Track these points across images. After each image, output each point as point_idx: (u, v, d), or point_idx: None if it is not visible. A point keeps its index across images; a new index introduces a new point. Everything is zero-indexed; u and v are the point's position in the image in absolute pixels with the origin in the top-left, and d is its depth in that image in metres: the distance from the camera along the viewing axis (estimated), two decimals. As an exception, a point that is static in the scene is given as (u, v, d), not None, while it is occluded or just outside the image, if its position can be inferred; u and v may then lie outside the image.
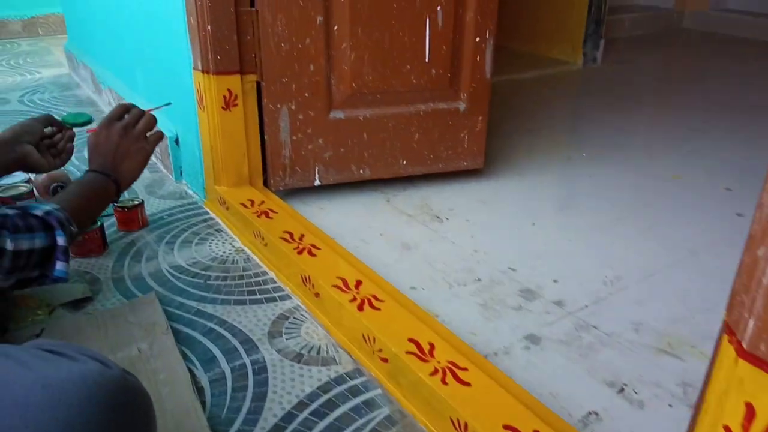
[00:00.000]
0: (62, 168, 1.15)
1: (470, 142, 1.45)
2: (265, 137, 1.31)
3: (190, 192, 1.45)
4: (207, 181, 1.36)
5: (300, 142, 1.32)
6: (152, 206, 1.36)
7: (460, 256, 1.17)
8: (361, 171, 1.39)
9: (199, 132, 1.33)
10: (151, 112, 1.05)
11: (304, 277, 1.01)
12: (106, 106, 2.05)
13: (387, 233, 1.25)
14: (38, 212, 0.80)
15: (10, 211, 0.79)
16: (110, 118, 1.02)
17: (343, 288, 0.95)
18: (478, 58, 1.37)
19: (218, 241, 1.22)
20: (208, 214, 1.34)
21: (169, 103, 1.20)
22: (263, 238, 1.14)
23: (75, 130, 1.15)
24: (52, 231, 0.80)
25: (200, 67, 1.22)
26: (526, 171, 1.57)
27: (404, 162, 1.42)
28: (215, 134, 1.27)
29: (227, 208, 1.28)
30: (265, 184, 1.37)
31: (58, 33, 3.43)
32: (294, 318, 0.98)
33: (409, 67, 1.33)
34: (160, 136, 1.07)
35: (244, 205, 1.24)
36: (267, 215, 1.20)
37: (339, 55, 1.27)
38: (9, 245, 0.73)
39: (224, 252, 1.18)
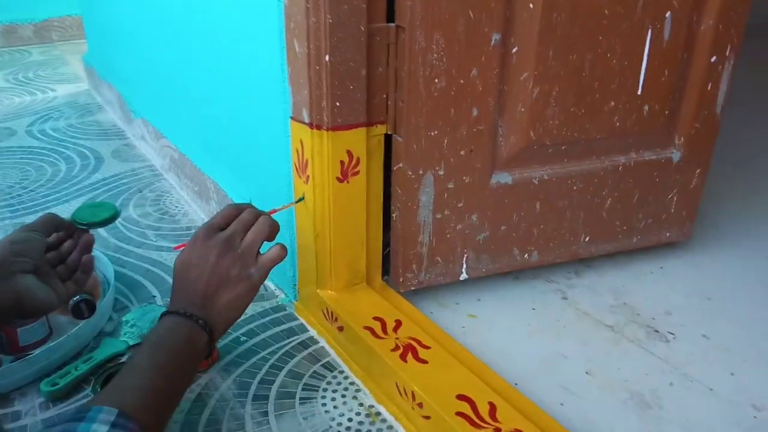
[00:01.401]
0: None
1: (679, 205, 0.99)
2: (393, 217, 0.85)
3: (272, 287, 1.00)
4: (302, 277, 0.92)
5: (446, 222, 0.86)
6: (221, 315, 0.92)
7: (737, 422, 0.71)
8: (526, 256, 0.94)
9: (293, 210, 0.88)
10: (273, 215, 0.68)
11: None
12: (138, 140, 1.61)
13: (595, 370, 0.79)
14: None
15: None
16: (210, 225, 0.65)
17: None
18: (709, 86, 0.90)
19: (334, 391, 0.78)
20: (306, 331, 0.89)
21: (302, 198, 0.82)
22: (421, 406, 0.69)
23: (94, 231, 0.74)
24: None
25: (306, 120, 0.77)
26: (742, 240, 1.10)
27: (586, 239, 0.96)
28: (325, 217, 0.81)
29: (340, 330, 0.83)
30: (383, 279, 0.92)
31: (75, 38, 3.00)
32: None
33: (613, 103, 0.86)
34: (278, 254, 0.65)
35: (374, 333, 0.78)
36: (415, 354, 0.75)
37: (515, 90, 0.81)
38: None
39: (351, 420, 0.73)
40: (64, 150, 1.59)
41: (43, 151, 1.59)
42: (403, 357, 0.74)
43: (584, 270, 1.01)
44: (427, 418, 0.68)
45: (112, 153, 1.57)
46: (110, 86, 1.79)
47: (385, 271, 0.92)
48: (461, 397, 0.67)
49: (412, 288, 0.89)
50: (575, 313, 0.91)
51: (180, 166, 1.28)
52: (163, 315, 0.60)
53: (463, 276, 0.91)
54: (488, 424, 0.64)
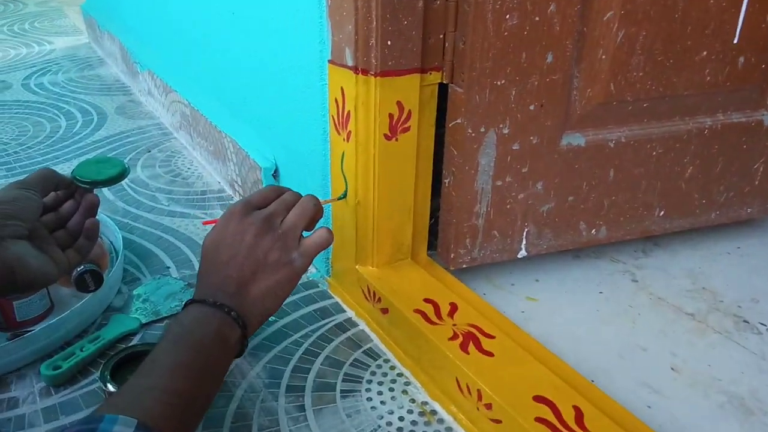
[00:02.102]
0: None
1: (765, 177, 0.87)
2: (446, 183, 0.74)
3: (300, 260, 0.88)
4: (337, 251, 0.80)
5: (507, 190, 0.74)
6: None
7: None
8: (593, 231, 0.82)
9: (328, 170, 0.76)
10: (321, 203, 0.60)
11: None
12: (144, 95, 1.48)
13: (682, 366, 0.68)
14: None
15: None
16: (247, 202, 0.56)
17: None
18: (816, 36, 0.77)
19: (380, 383, 0.67)
20: (342, 311, 0.78)
21: (344, 195, 0.72)
22: (490, 407, 0.58)
23: (98, 190, 0.63)
24: None
25: (350, 62, 0.64)
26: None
27: (661, 213, 0.84)
28: (368, 181, 0.70)
29: (385, 312, 0.72)
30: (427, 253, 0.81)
31: (72, -11, 2.83)
32: None
33: (705, 53, 0.74)
34: (324, 238, 0.56)
35: (426, 317, 0.67)
36: (478, 344, 0.64)
37: (597, 33, 0.68)
38: None
39: (402, 419, 0.63)
40: (63, 105, 1.46)
41: (41, 106, 1.46)
42: (463, 347, 0.63)
43: (652, 249, 0.90)
44: (498, 422, 0.57)
45: (116, 109, 1.44)
46: (112, 37, 1.65)
47: (430, 245, 0.81)
48: (540, 399, 0.57)
49: (464, 266, 0.78)
50: (649, 298, 0.79)
51: (192, 123, 1.16)
52: (187, 303, 0.49)
53: (522, 253, 0.80)
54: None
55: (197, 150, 1.18)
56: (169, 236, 0.93)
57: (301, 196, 0.58)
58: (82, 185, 0.61)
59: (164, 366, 0.43)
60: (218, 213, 1.00)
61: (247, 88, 0.93)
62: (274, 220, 0.54)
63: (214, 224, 0.55)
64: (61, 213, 0.60)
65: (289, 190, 0.59)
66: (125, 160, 1.16)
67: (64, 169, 1.13)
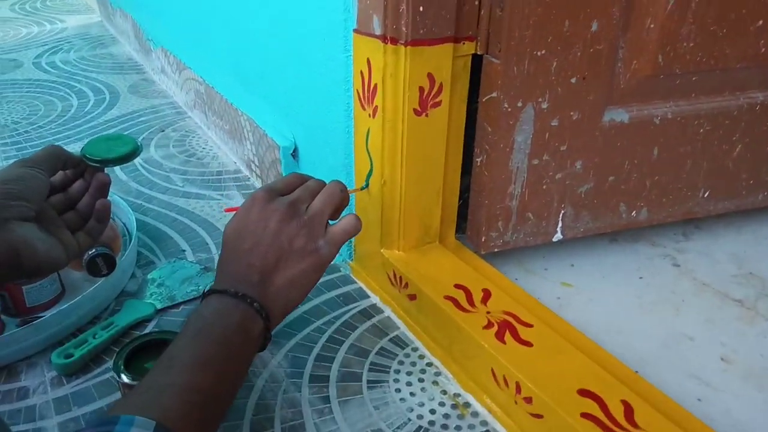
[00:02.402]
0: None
1: (817, 156, 0.81)
2: (478, 162, 0.69)
3: (321, 243, 0.85)
4: (361, 233, 0.76)
5: (543, 169, 0.69)
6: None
7: None
8: (634, 213, 0.77)
9: (352, 149, 0.72)
10: (347, 190, 0.57)
11: None
12: (158, 74, 1.44)
13: (732, 356, 0.64)
14: None
15: None
16: (270, 188, 0.53)
17: None
18: None
19: (409, 374, 0.63)
20: (366, 297, 0.74)
21: (366, 186, 0.70)
22: (530, 401, 0.54)
23: (110, 170, 0.58)
24: None
25: (377, 31, 0.60)
26: None
27: (706, 194, 0.79)
28: (396, 159, 0.65)
29: (412, 298, 0.68)
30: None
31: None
32: None
33: (761, 23, 0.68)
34: (352, 224, 0.53)
35: (458, 304, 0.63)
36: (514, 333, 0.59)
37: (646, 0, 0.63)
38: None
39: (434, 412, 0.59)
40: (75, 84, 1.43)
41: (52, 85, 1.42)
42: (499, 336, 0.59)
43: (693, 232, 0.85)
44: (539, 417, 0.53)
45: (129, 88, 1.40)
46: (124, 14, 1.61)
47: (457, 227, 0.77)
48: (585, 393, 0.52)
49: (495, 249, 0.73)
50: (692, 283, 0.75)
51: (207, 102, 1.12)
52: (207, 294, 0.46)
53: (557, 236, 0.75)
54: (626, 430, 0.49)
55: (212, 129, 1.14)
56: (185, 218, 0.89)
57: (323, 184, 0.55)
58: (92, 164, 0.57)
59: (184, 361, 0.40)
60: (235, 194, 0.96)
61: (265, 62, 0.88)
62: (299, 207, 0.50)
63: (235, 211, 0.51)
64: (70, 193, 0.56)
65: (313, 177, 0.56)
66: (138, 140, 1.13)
67: (75, 149, 1.10)
